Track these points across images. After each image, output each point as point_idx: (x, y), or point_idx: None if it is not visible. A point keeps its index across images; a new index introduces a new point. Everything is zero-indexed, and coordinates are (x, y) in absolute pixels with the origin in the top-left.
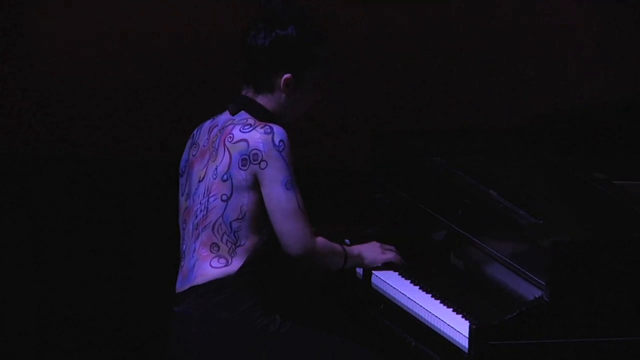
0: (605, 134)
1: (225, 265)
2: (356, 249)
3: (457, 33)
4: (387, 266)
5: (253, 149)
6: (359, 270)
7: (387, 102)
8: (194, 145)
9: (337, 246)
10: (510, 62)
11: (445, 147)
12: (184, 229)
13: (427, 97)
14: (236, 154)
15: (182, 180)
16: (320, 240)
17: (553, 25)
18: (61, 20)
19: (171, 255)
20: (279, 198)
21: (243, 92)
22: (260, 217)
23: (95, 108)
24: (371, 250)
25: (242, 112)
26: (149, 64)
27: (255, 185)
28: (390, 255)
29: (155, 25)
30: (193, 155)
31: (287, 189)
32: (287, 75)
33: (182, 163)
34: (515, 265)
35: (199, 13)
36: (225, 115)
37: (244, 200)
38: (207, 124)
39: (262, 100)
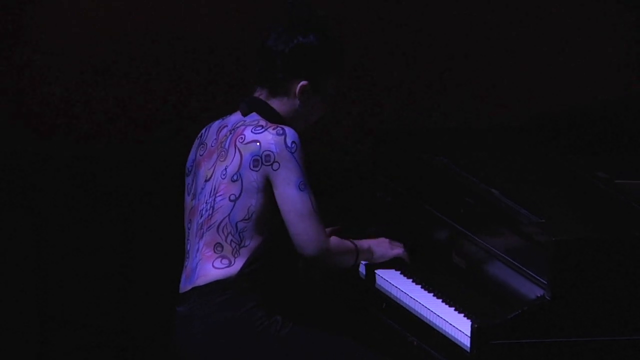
0: (607, 133)
1: (228, 266)
2: (366, 243)
3: (458, 31)
4: (393, 262)
5: (265, 150)
6: (362, 270)
7: (389, 101)
8: (202, 145)
9: (348, 243)
10: (511, 61)
11: (447, 146)
12: (189, 228)
13: (429, 95)
14: (247, 155)
15: (188, 180)
16: (333, 239)
17: (554, 25)
18: (63, 14)
19: (176, 254)
20: (293, 199)
21: (256, 94)
22: (265, 219)
23: (100, 104)
24: (380, 245)
25: (254, 113)
26: (156, 60)
27: (265, 186)
28: (398, 251)
29: (159, 23)
30: (200, 155)
31: (301, 190)
32: (303, 82)
33: (188, 162)
34: (517, 264)
35: (208, 10)
36: (236, 115)
37: (253, 201)
38: (216, 124)
39: (275, 103)
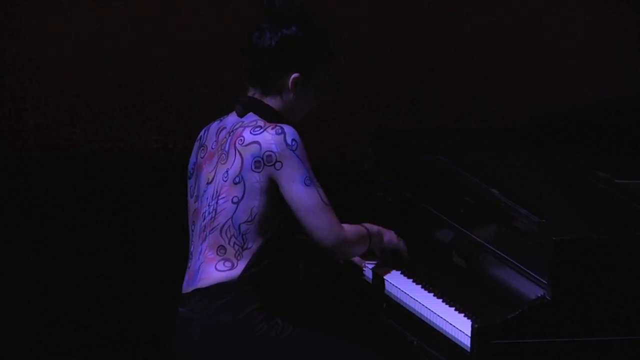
0: (608, 133)
1: (230, 269)
2: (375, 227)
3: (459, 32)
4: (393, 261)
5: (266, 151)
6: (368, 274)
7: (389, 100)
8: (202, 148)
9: (360, 228)
10: (512, 61)
11: (448, 146)
12: (192, 230)
13: (430, 95)
14: (248, 157)
15: (190, 182)
16: (347, 227)
17: (555, 25)
18: (66, 17)
19: (179, 255)
20: (301, 195)
21: (249, 93)
22: (267, 220)
23: (103, 107)
24: (388, 231)
25: (250, 113)
26: (157, 62)
27: (268, 187)
28: (403, 243)
29: (160, 25)
30: (201, 158)
31: (307, 185)
32: (295, 75)
33: (190, 165)
34: (517, 264)
35: (206, 13)
36: (233, 116)
37: (255, 202)
38: (215, 125)
39: (270, 101)
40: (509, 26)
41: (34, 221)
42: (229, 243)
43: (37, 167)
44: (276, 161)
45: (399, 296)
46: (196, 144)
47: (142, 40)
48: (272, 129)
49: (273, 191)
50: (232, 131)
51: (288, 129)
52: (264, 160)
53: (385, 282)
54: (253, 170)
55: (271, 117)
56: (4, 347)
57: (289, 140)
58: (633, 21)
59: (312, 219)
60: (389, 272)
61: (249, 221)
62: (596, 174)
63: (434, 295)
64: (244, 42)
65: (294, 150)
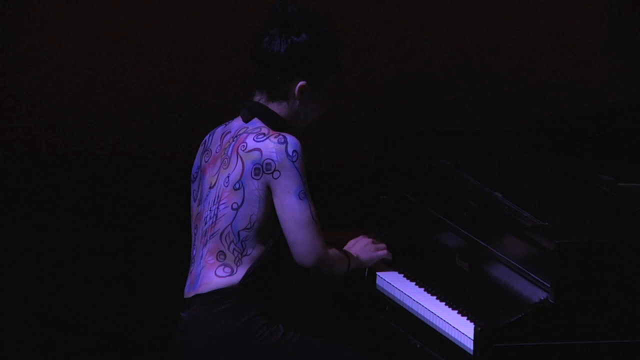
0: (611, 136)
1: (230, 275)
2: (353, 250)
3: (462, 34)
4: (383, 264)
5: (266, 159)
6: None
7: (392, 103)
8: (206, 152)
9: (341, 252)
10: (515, 63)
11: (451, 148)
12: (195, 234)
13: (432, 98)
14: (249, 163)
15: (194, 186)
16: (330, 249)
17: (558, 27)
18: (65, 18)
19: (182, 258)
20: (292, 208)
21: (255, 98)
22: (267, 227)
23: (107, 110)
24: (364, 250)
25: (255, 119)
26: (159, 66)
27: (266, 195)
28: (383, 252)
29: (160, 27)
30: (205, 162)
31: (300, 199)
32: (302, 83)
33: (194, 169)
34: (520, 267)
35: (205, 17)
36: (238, 121)
37: (254, 209)
38: (220, 130)
39: (276, 107)
40: (512, 28)
41: (35, 224)
42: (228, 249)
43: (38, 168)
44: (275, 170)
45: (401, 299)
46: (200, 148)
47: (143, 42)
48: (275, 137)
49: (272, 199)
50: (236, 136)
51: (291, 139)
52: (263, 168)
53: (378, 278)
54: (253, 177)
55: (276, 123)
56: (4, 348)
57: (290, 151)
58: (635, 23)
59: (298, 234)
60: (383, 269)
61: (248, 228)
62: (599, 177)
63: (437, 299)
64: (252, 46)
65: (293, 162)
